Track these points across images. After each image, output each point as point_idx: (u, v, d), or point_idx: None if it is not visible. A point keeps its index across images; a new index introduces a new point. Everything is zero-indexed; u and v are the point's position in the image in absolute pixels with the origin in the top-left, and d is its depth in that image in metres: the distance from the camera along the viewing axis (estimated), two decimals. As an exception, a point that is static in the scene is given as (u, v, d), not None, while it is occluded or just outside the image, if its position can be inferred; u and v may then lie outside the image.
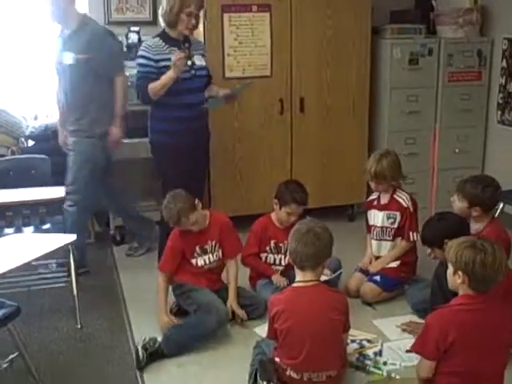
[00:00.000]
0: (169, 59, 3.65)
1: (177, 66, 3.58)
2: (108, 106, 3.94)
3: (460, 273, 2.43)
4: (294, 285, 2.80)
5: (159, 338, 3.15)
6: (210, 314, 3.23)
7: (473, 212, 3.27)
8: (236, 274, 3.52)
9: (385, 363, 3.03)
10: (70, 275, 3.48)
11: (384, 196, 3.83)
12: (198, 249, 3.45)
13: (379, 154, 3.79)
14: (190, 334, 3.19)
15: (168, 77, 3.62)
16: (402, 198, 3.77)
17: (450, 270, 2.50)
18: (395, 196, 3.79)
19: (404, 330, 3.34)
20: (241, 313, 3.41)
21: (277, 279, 3.62)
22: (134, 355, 3.06)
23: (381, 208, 3.82)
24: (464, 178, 3.46)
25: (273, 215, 3.79)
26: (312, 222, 2.83)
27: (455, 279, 2.47)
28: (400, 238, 3.78)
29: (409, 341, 3.14)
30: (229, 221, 3.59)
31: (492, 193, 3.28)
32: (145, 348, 3.05)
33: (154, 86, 3.67)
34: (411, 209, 3.75)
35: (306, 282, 2.75)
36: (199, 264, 3.46)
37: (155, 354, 3.08)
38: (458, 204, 3.31)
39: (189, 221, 3.35)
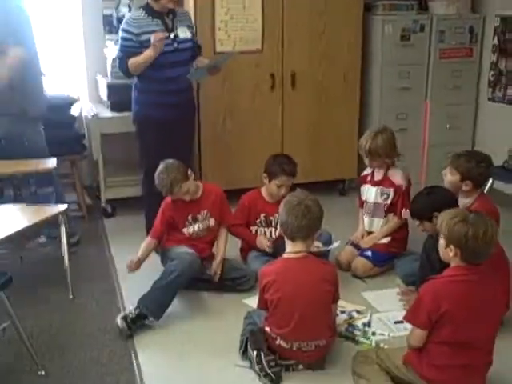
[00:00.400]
0: (151, 32, 3.62)
1: (156, 46, 3.57)
2: None
3: (452, 246, 2.46)
4: (285, 256, 2.83)
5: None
6: (172, 260, 3.28)
7: (464, 186, 3.28)
8: (226, 239, 3.61)
9: (373, 333, 3.08)
10: (61, 246, 3.50)
11: (378, 172, 3.84)
12: (190, 218, 3.48)
13: (375, 130, 3.79)
14: (160, 286, 3.18)
15: (147, 55, 3.63)
16: (397, 175, 3.79)
17: (442, 242, 2.53)
18: (390, 173, 3.80)
19: (401, 300, 3.37)
20: (215, 271, 3.46)
21: (259, 241, 3.64)
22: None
23: (374, 184, 3.83)
24: (458, 152, 3.47)
25: (262, 190, 3.80)
26: (302, 194, 2.86)
27: (447, 252, 2.50)
28: (392, 214, 3.80)
29: (397, 312, 3.23)
30: (222, 191, 3.63)
31: (485, 168, 3.30)
32: (124, 317, 3.08)
33: (133, 62, 3.68)
34: (405, 186, 3.78)
35: (296, 253, 2.78)
36: (189, 232, 3.50)
37: (138, 319, 3.09)
38: (449, 177, 3.33)
39: (181, 190, 3.38)
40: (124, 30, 3.72)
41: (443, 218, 2.53)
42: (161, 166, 3.40)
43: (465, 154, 3.38)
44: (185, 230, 3.49)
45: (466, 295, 2.46)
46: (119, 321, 3.07)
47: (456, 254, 2.46)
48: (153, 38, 3.57)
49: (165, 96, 3.77)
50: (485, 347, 2.52)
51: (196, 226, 3.50)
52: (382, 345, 2.97)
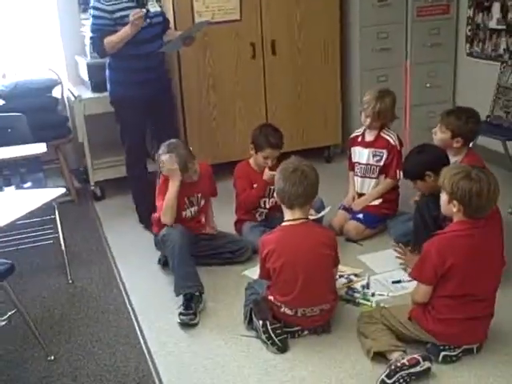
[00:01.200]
0: (124, 9, 3.57)
1: (135, 24, 3.51)
2: None
3: (455, 202, 2.51)
4: (284, 224, 2.85)
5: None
6: (165, 243, 3.26)
7: (455, 143, 3.32)
8: (212, 209, 3.68)
9: (373, 294, 3.14)
10: (56, 232, 3.49)
11: (370, 133, 3.86)
12: (186, 200, 3.46)
13: (381, 92, 3.79)
14: (176, 265, 3.17)
15: (125, 32, 3.56)
16: (390, 136, 3.81)
17: (445, 197, 2.57)
18: (382, 134, 3.81)
19: (398, 259, 3.39)
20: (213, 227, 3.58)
21: (266, 175, 3.60)
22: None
23: (366, 145, 3.85)
24: (447, 109, 3.49)
25: (251, 160, 3.80)
26: (297, 160, 2.86)
27: (450, 207, 2.55)
28: (384, 175, 3.83)
29: (394, 272, 3.30)
30: (211, 169, 3.64)
31: (474, 124, 3.34)
32: (180, 313, 3.00)
33: (110, 40, 3.61)
34: (398, 147, 3.80)
35: (294, 220, 2.80)
36: (187, 215, 3.47)
37: (188, 304, 3.03)
38: (439, 135, 3.35)
39: (194, 167, 3.35)
40: (95, 8, 3.63)
41: (445, 174, 2.56)
42: (165, 147, 3.31)
43: (454, 110, 3.42)
44: (183, 213, 3.44)
45: (471, 249, 2.52)
46: (179, 319, 2.99)
47: (459, 209, 2.51)
48: (131, 16, 3.50)
49: (139, 73, 3.73)
50: (488, 299, 2.59)
51: (192, 210, 3.49)
52: (382, 304, 3.01)
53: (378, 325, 2.71)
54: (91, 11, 3.67)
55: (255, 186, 3.71)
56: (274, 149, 3.65)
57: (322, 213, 3.54)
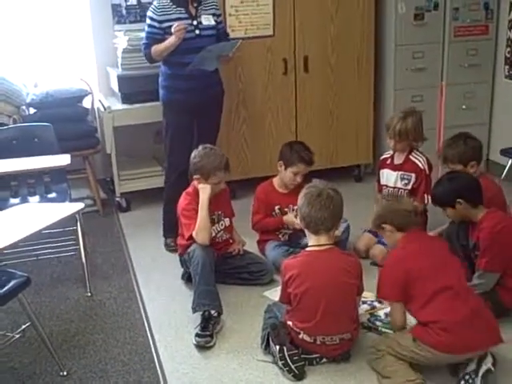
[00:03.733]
0: (174, 20, 3.68)
1: (177, 35, 3.62)
2: None
3: (384, 225, 2.84)
4: (308, 249, 2.78)
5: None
6: (190, 259, 3.23)
7: (470, 169, 3.33)
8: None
9: (396, 323, 3.04)
10: (78, 244, 3.47)
11: (399, 156, 3.78)
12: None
13: (405, 112, 3.73)
14: (197, 283, 3.12)
15: (169, 42, 3.69)
16: (419, 160, 3.72)
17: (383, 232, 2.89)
18: (411, 157, 3.73)
19: None
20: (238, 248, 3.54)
21: (287, 219, 3.59)
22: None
23: (394, 168, 3.77)
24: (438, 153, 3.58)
25: (274, 180, 3.75)
26: (321, 184, 2.80)
27: (387, 235, 2.89)
28: (412, 199, 3.73)
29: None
30: (227, 187, 3.60)
31: (472, 140, 3.41)
32: (197, 335, 2.95)
33: (156, 49, 3.76)
34: (427, 171, 3.71)
35: (320, 245, 2.73)
36: (213, 234, 3.41)
37: (207, 323, 2.99)
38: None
39: (217, 176, 3.33)
40: (149, 17, 3.81)
41: None
42: (201, 152, 3.34)
43: (447, 145, 3.46)
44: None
45: (419, 250, 2.71)
46: (195, 341, 2.93)
47: (391, 230, 2.81)
48: (173, 27, 3.62)
49: (182, 80, 3.79)
50: (466, 289, 2.66)
51: (215, 228, 3.43)
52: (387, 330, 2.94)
53: (387, 357, 2.62)
54: (147, 20, 3.84)
55: (277, 208, 3.67)
56: (306, 164, 3.60)
57: (340, 229, 3.41)
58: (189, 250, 3.27)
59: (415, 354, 2.58)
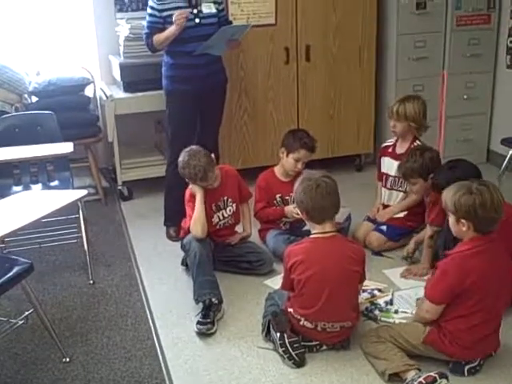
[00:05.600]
0: (174, 8, 3.67)
1: (177, 24, 3.61)
2: None
3: (463, 221, 2.48)
4: (312, 236, 2.79)
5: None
6: (187, 252, 3.27)
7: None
8: (250, 216, 3.64)
9: (396, 311, 3.05)
10: (80, 231, 3.49)
11: (401, 145, 3.78)
12: (213, 206, 3.43)
13: (407, 95, 3.79)
14: (195, 273, 3.15)
15: (170, 31, 3.68)
16: None
17: (452, 219, 2.54)
18: (413, 147, 3.71)
19: (406, 277, 3.37)
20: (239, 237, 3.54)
21: (287, 210, 3.60)
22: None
23: (396, 157, 3.75)
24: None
25: (276, 169, 3.76)
26: (315, 174, 2.79)
27: (459, 228, 2.52)
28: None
29: (419, 289, 3.17)
30: (236, 172, 3.61)
31: (429, 152, 3.40)
32: (198, 322, 2.97)
33: (158, 38, 3.75)
34: None
35: (324, 233, 2.74)
36: (215, 221, 3.44)
37: (207, 311, 3.00)
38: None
39: (214, 175, 3.31)
40: (149, 7, 3.81)
41: (446, 195, 2.53)
42: (185, 155, 3.27)
43: (404, 163, 3.43)
44: (212, 220, 3.41)
45: (488, 265, 2.49)
46: (197, 328, 2.95)
47: (469, 227, 2.48)
48: (174, 16, 3.61)
49: (185, 69, 3.80)
50: (496, 318, 2.58)
51: (220, 214, 3.45)
52: (397, 321, 2.94)
53: (387, 343, 2.64)
54: (147, 9, 3.83)
55: (278, 196, 3.68)
56: (308, 150, 3.61)
57: (340, 214, 3.41)
58: (184, 242, 3.30)
59: (418, 350, 2.62)
